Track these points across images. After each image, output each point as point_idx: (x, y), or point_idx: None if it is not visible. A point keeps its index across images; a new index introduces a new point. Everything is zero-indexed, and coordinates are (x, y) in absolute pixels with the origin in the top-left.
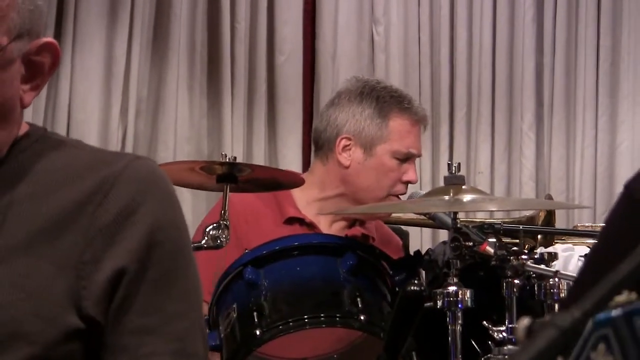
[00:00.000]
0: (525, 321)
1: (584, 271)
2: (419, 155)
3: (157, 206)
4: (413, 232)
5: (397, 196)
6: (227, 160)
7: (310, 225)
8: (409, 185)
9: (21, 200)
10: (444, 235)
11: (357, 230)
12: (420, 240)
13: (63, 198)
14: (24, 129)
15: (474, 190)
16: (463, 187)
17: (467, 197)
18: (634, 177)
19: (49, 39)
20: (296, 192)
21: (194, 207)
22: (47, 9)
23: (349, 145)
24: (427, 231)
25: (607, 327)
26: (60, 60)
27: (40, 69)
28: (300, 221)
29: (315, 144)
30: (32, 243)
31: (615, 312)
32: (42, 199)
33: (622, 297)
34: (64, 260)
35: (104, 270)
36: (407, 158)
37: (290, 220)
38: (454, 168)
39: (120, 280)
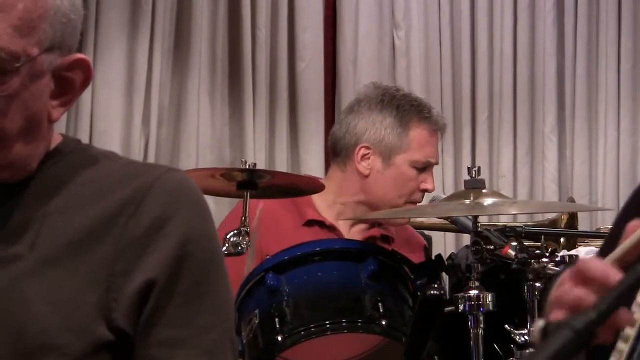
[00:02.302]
0: (540, 323)
1: (604, 245)
2: (437, 164)
3: (189, 218)
4: (437, 236)
5: (413, 204)
6: (247, 167)
7: (331, 228)
8: (431, 192)
9: (53, 212)
10: (467, 239)
11: (377, 231)
12: (444, 244)
13: (95, 210)
14: (56, 141)
15: (495, 193)
16: (483, 190)
17: (487, 201)
18: None
19: (82, 55)
20: (315, 195)
21: (216, 214)
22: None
23: (367, 154)
24: (450, 235)
25: None
26: (92, 77)
27: (71, 85)
28: (320, 223)
29: (333, 149)
30: (64, 255)
31: None
32: (74, 212)
33: None
34: (95, 272)
35: (134, 282)
36: (425, 167)
37: (310, 223)
38: (474, 172)
39: (150, 291)
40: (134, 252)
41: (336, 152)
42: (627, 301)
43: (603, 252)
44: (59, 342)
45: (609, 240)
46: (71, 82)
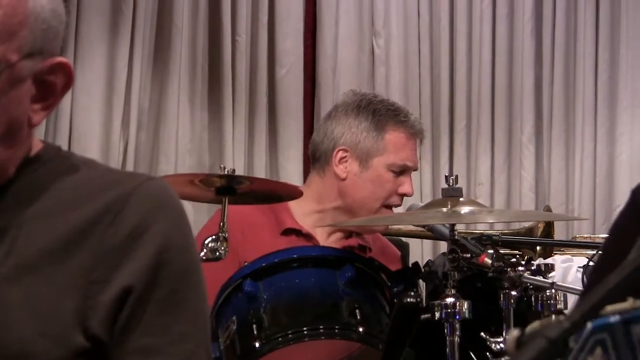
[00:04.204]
0: (515, 332)
1: (591, 276)
2: (415, 169)
3: (167, 227)
4: (413, 243)
5: (390, 208)
6: (226, 172)
7: (308, 236)
8: (410, 197)
9: (32, 219)
10: (445, 246)
11: (354, 241)
12: (421, 251)
13: (74, 218)
14: (36, 147)
15: (472, 202)
16: (461, 199)
17: (464, 209)
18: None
19: (62, 59)
20: (293, 204)
21: (195, 220)
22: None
23: (345, 157)
24: (427, 243)
25: (605, 332)
26: (73, 81)
27: (53, 89)
28: (298, 232)
29: (313, 156)
30: (42, 262)
31: (613, 318)
32: (54, 219)
33: (626, 304)
34: (73, 280)
35: (112, 290)
36: (402, 171)
37: (288, 232)
38: (451, 180)
39: (127, 299)
40: (112, 260)
41: (315, 158)
42: (599, 310)
43: (602, 267)
44: (36, 350)
45: (608, 256)
46: (52, 85)
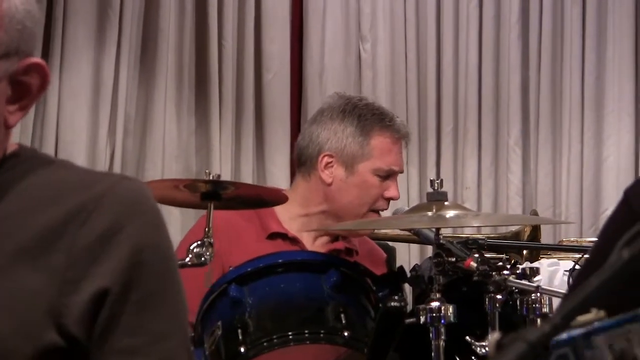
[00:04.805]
0: (495, 335)
1: (579, 276)
2: (401, 172)
3: (142, 227)
4: (400, 247)
5: (377, 212)
6: (211, 178)
7: (294, 240)
8: (396, 200)
9: (6, 217)
10: (431, 250)
11: (341, 244)
12: (409, 256)
13: (48, 216)
14: (12, 148)
15: (457, 206)
16: (446, 203)
17: (450, 213)
18: (633, 184)
19: (37, 59)
20: (279, 208)
21: (182, 224)
22: (38, 31)
23: (331, 162)
24: (414, 247)
25: (567, 347)
26: (49, 81)
27: (28, 89)
28: (283, 236)
29: (298, 159)
30: (15, 260)
31: (575, 332)
32: (28, 217)
33: (590, 316)
34: (47, 278)
35: (87, 289)
36: (388, 175)
37: (273, 236)
38: (436, 184)
39: (104, 300)
40: (86, 260)
41: (301, 163)
42: (583, 312)
43: (593, 267)
44: (9, 348)
45: (598, 256)
46: (28, 86)
